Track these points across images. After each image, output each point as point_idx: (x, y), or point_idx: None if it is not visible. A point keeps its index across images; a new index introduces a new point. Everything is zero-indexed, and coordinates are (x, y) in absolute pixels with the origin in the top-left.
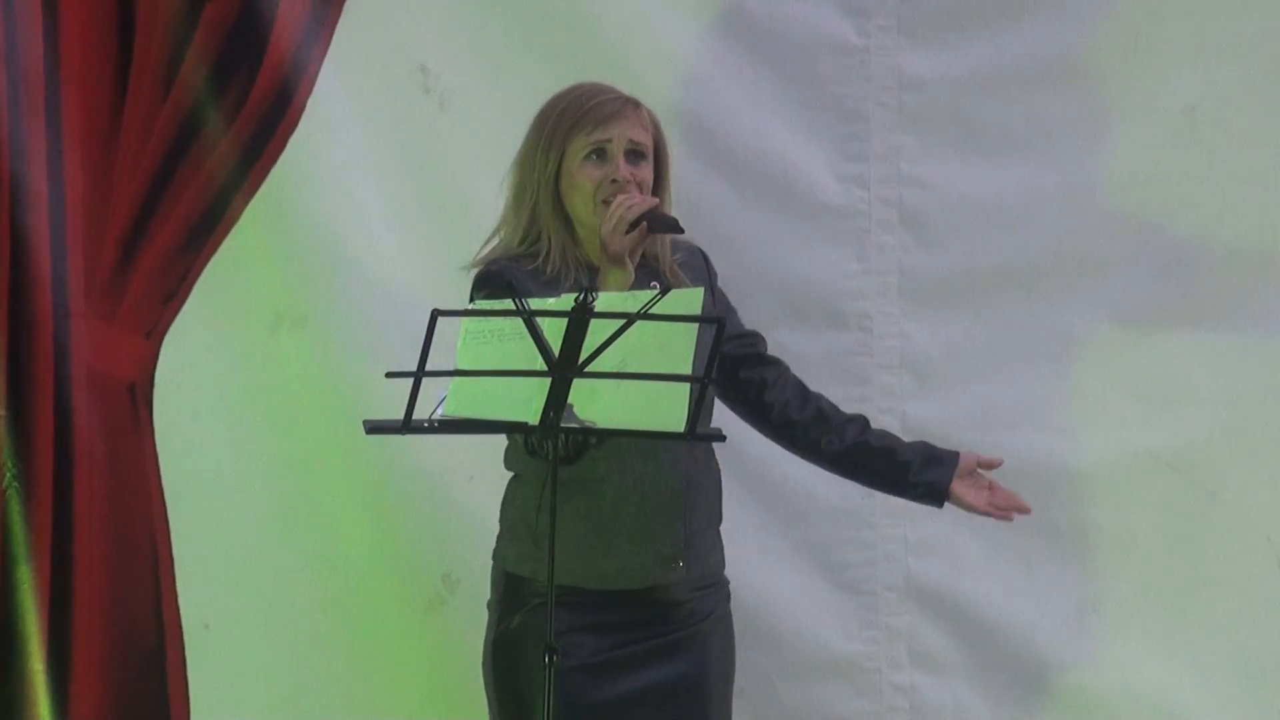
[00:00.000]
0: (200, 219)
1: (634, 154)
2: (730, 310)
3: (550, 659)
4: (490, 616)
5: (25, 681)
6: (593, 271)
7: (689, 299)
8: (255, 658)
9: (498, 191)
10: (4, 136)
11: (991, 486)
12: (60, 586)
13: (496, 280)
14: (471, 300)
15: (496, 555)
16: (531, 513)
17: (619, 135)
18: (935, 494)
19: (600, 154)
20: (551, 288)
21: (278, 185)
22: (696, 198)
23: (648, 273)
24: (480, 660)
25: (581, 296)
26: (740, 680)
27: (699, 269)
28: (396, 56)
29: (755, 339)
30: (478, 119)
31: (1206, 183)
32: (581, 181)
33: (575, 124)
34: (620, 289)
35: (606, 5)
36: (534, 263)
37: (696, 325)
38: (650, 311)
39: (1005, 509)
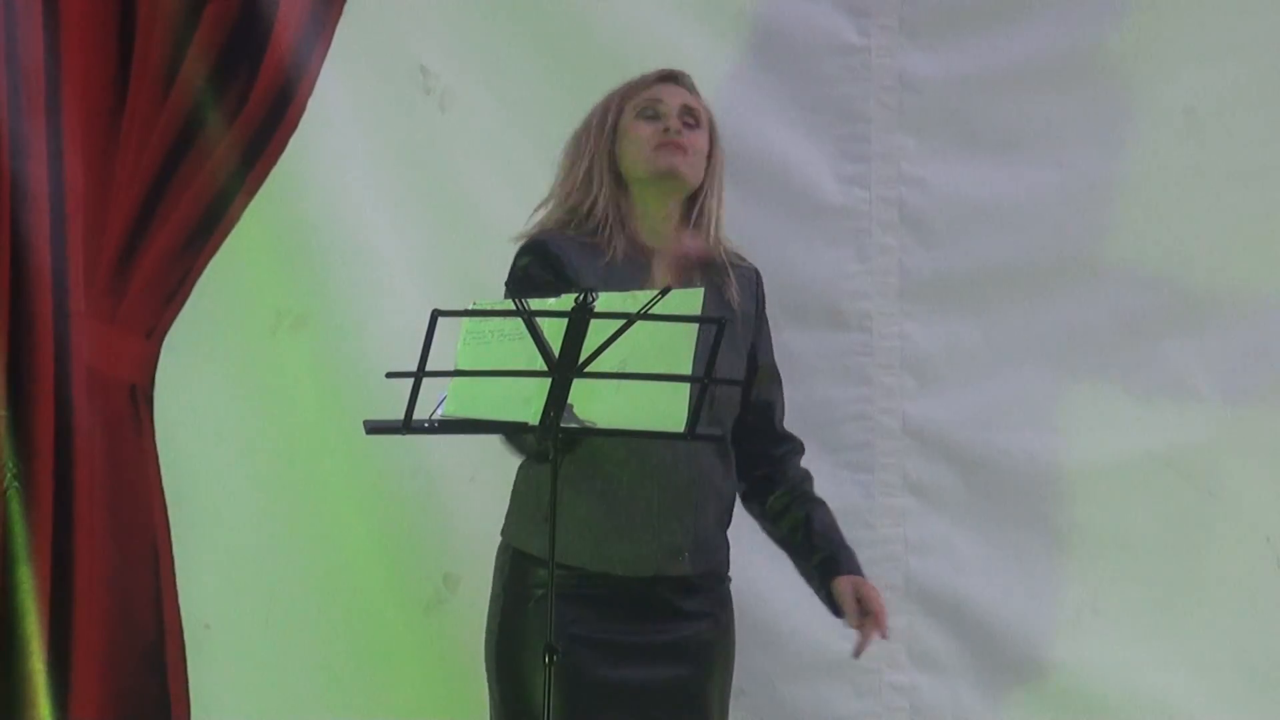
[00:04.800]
0: (200, 219)
1: (687, 117)
2: (769, 345)
3: (550, 659)
4: (494, 605)
5: (25, 681)
6: (638, 249)
7: (689, 299)
8: (255, 658)
9: (498, 191)
10: (4, 136)
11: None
12: (60, 586)
13: (539, 250)
14: (514, 269)
15: (505, 533)
16: (547, 490)
17: (669, 96)
18: (825, 573)
19: (654, 114)
20: (596, 255)
21: (278, 185)
22: None
23: (709, 271)
24: (481, 655)
25: (581, 297)
26: (740, 680)
27: (750, 289)
28: (396, 56)
29: (773, 413)
30: (478, 119)
31: (1206, 183)
32: (635, 134)
33: (629, 90)
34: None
35: (606, 6)
36: (581, 231)
37: (697, 325)
38: (650, 312)
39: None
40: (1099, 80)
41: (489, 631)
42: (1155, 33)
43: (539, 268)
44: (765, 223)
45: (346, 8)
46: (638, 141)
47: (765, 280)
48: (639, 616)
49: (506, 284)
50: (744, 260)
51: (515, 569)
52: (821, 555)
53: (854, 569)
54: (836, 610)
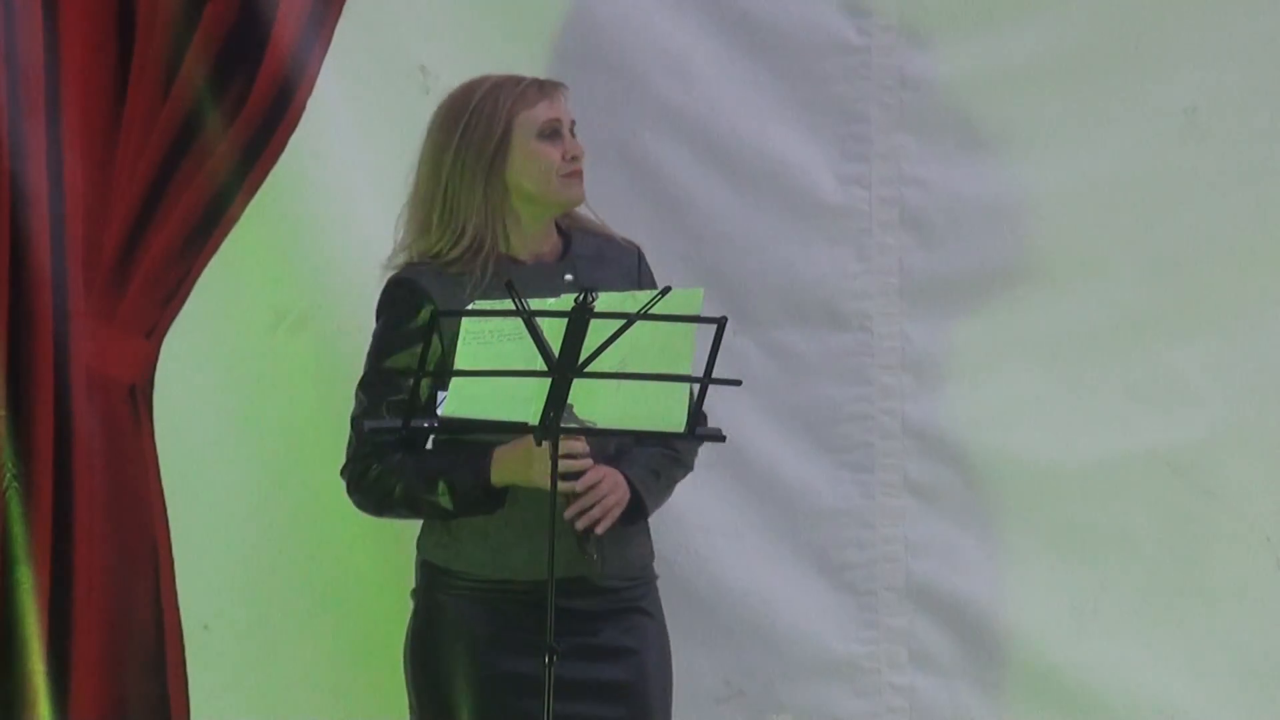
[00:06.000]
0: (200, 219)
1: (573, 132)
2: None
3: (550, 659)
4: (415, 616)
5: (25, 681)
6: (510, 263)
7: (689, 299)
8: (255, 658)
9: None
10: (4, 136)
11: None
12: (60, 586)
13: (408, 286)
14: (380, 308)
15: (419, 547)
16: None
17: (564, 114)
18: None
19: (554, 133)
20: (460, 286)
21: (278, 185)
22: (696, 198)
23: (578, 267)
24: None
25: (582, 297)
26: (740, 680)
27: (629, 274)
28: (396, 56)
29: None
30: None
31: (1206, 183)
32: (541, 159)
33: (519, 99)
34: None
35: (606, 6)
36: (448, 258)
37: (696, 325)
38: (650, 312)
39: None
40: (1099, 80)
41: (405, 640)
42: (1155, 33)
43: (405, 304)
44: (765, 223)
45: (346, 8)
46: (544, 167)
47: (764, 279)
48: (560, 619)
49: (377, 313)
50: (627, 243)
51: (428, 581)
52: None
53: (631, 473)
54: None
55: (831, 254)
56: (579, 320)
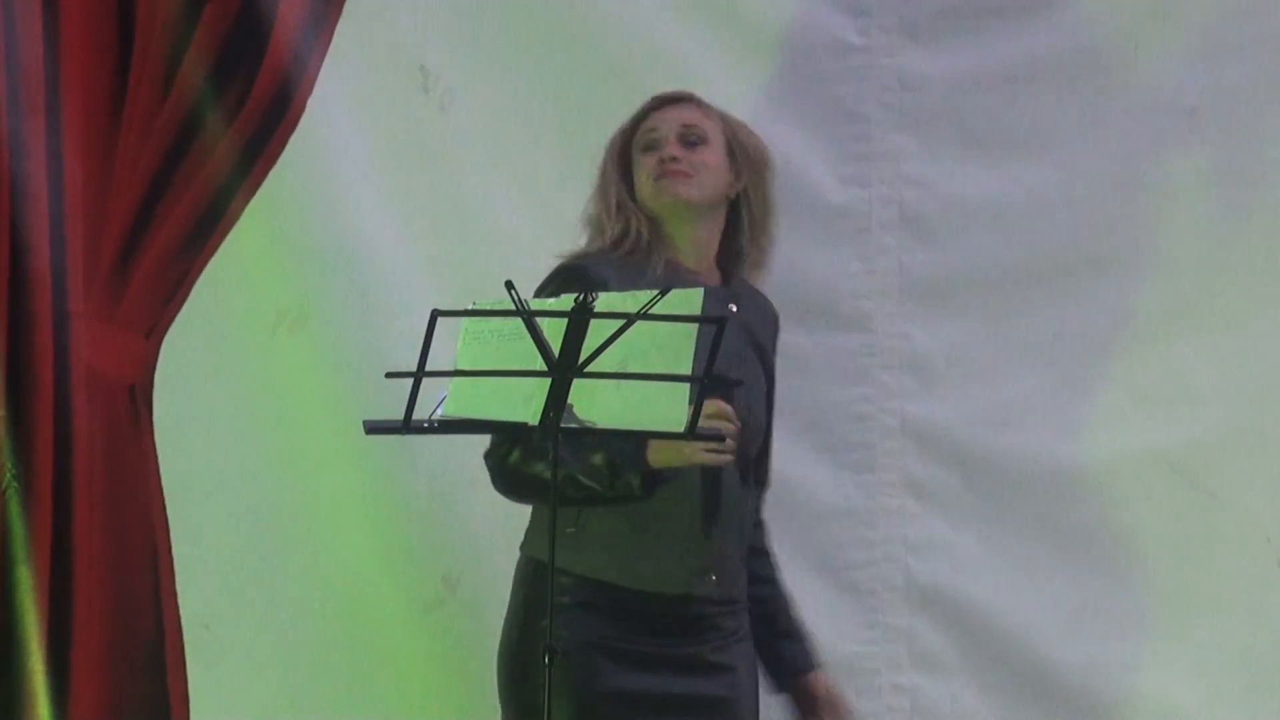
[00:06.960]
0: (200, 219)
1: (688, 137)
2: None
3: (550, 659)
4: (514, 616)
5: (25, 681)
6: (677, 268)
7: (689, 299)
8: (255, 658)
9: (498, 191)
10: (4, 136)
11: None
12: (60, 586)
13: (580, 275)
14: (543, 289)
15: (525, 547)
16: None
17: (664, 122)
18: (784, 670)
19: (653, 144)
20: (638, 274)
21: (278, 185)
22: None
23: (742, 302)
24: (492, 660)
25: (582, 297)
26: None
27: (772, 325)
28: (396, 56)
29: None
30: (478, 119)
31: (1206, 183)
32: (642, 169)
33: (631, 123)
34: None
35: (605, 5)
36: (621, 252)
37: (697, 325)
38: (650, 312)
39: None
40: (1099, 80)
41: (508, 641)
42: (1155, 33)
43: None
44: None
45: (346, 8)
46: (644, 176)
47: (764, 279)
48: (666, 631)
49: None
50: (767, 300)
51: (539, 581)
52: (801, 644)
53: (819, 663)
54: (801, 706)
55: (832, 254)
56: (579, 320)
